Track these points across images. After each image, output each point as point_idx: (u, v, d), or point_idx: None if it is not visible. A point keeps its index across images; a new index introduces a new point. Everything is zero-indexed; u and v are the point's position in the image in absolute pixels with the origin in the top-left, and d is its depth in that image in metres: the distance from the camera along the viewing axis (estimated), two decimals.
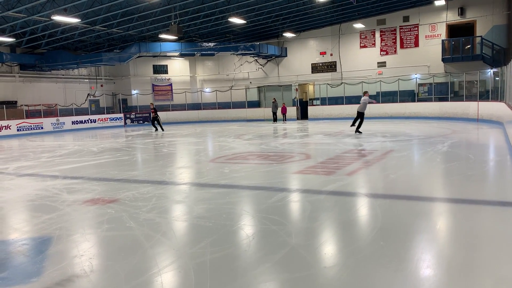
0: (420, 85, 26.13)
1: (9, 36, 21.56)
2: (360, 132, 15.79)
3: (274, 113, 26.98)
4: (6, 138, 22.21)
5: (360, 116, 15.84)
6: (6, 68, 25.60)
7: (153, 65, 32.14)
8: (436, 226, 4.75)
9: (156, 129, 22.35)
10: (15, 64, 25.85)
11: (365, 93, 16.27)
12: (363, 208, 5.58)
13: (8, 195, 7.26)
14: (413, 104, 25.38)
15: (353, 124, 16.12)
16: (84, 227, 5.16)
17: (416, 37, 26.06)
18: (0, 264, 3.97)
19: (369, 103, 16.16)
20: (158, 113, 22.97)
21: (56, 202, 6.40)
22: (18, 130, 23.69)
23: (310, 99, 30.10)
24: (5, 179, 8.82)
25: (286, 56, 30.35)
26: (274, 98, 27.96)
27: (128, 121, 30.19)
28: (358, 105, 15.99)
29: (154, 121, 22.44)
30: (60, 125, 26.09)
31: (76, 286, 3.44)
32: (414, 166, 8.91)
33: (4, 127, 23.06)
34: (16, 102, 25.79)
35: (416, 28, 26.00)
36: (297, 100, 29.72)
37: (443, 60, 24.59)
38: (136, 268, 3.75)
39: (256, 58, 30.91)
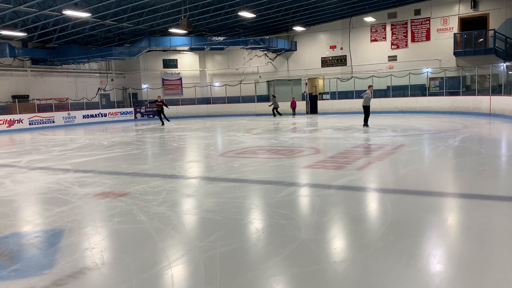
0: (431, 79, 25.86)
1: (21, 31, 21.75)
2: (368, 126, 15.78)
3: (275, 108, 27.00)
4: (18, 131, 22.48)
5: (366, 110, 15.87)
6: (18, 62, 25.85)
7: (163, 60, 32.21)
8: (447, 222, 4.71)
9: (163, 123, 22.82)
10: (27, 59, 26.08)
11: (369, 87, 16.35)
12: (373, 203, 5.56)
13: (21, 188, 7.35)
14: (424, 98, 25.14)
15: (365, 124, 16.13)
16: (95, 220, 5.21)
17: (428, 31, 25.75)
18: (13, 256, 4.03)
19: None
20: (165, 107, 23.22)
21: (68, 195, 6.47)
22: (30, 124, 23.96)
23: (319, 93, 29.96)
24: (18, 173, 8.94)
25: (295, 50, 30.20)
26: (273, 95, 28.26)
27: (139, 115, 30.34)
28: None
29: (160, 114, 23.00)
30: (71, 119, 26.33)
31: (87, 278, 3.48)
32: (425, 161, 8.83)
33: (16, 121, 23.34)
34: (28, 96, 26.06)
35: (428, 22, 25.68)
36: (306, 95, 29.60)
37: (455, 54, 24.28)
38: (147, 261, 3.78)
39: (266, 52, 30.81)
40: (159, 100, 22.90)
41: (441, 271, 3.39)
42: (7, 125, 22.85)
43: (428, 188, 6.24)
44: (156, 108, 23.01)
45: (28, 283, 3.40)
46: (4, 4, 17.59)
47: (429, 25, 25.66)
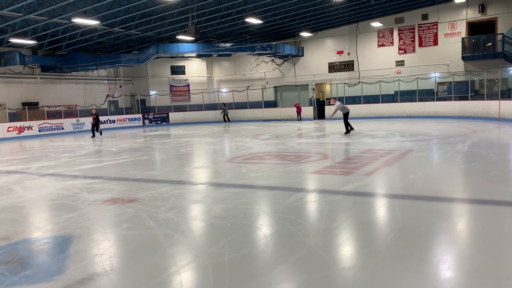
0: (439, 84, 25.74)
1: (31, 39, 22.02)
2: (349, 132, 15.68)
3: (226, 115, 29.79)
4: (28, 138, 22.70)
5: (345, 116, 15.70)
6: (28, 70, 26.16)
7: (171, 66, 32.42)
8: (457, 227, 4.67)
9: (93, 135, 21.01)
10: (36, 66, 26.38)
11: (333, 99, 16.81)
12: (381, 209, 5.53)
13: (31, 194, 7.41)
14: (432, 103, 25.01)
15: (348, 131, 15.89)
16: (104, 226, 5.24)
17: (435, 35, 25.67)
18: (24, 262, 4.06)
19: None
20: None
21: (77, 202, 6.52)
22: (39, 130, 24.18)
23: (327, 99, 29.92)
24: (28, 179, 9.02)
25: (302, 55, 30.25)
26: (224, 103, 30.75)
27: (147, 121, 30.51)
28: (344, 107, 15.93)
29: (94, 127, 21.14)
30: (80, 126, 26.53)
31: (97, 284, 3.49)
32: (433, 166, 8.78)
33: (26, 128, 23.57)
34: (37, 103, 26.33)
35: (435, 26, 25.61)
36: (313, 100, 29.59)
37: (463, 58, 24.15)
38: (156, 267, 3.79)
39: (273, 58, 30.88)
40: (93, 113, 21.24)
41: (451, 278, 3.36)
42: (17, 132, 23.08)
43: (437, 194, 6.20)
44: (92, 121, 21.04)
45: None
46: (15, 13, 17.84)
47: (437, 30, 25.58)
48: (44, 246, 4.58)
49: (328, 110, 28.27)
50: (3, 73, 24.62)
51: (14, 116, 24.60)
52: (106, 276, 3.63)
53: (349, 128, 15.91)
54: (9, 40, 21.67)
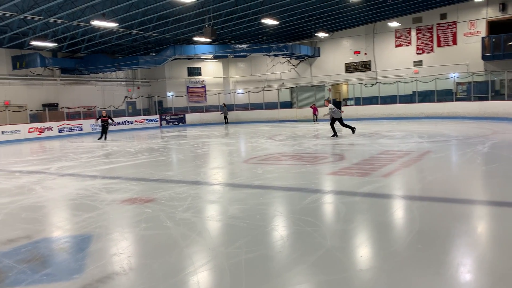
0: (458, 84, 25.33)
1: (51, 42, 22.46)
2: (336, 136, 15.34)
3: (226, 117, 30.48)
4: (48, 139, 23.13)
5: (339, 120, 15.31)
6: (49, 72, 26.68)
7: (188, 68, 32.66)
8: (477, 230, 4.59)
9: (100, 138, 20.03)
10: (56, 68, 26.89)
11: (326, 101, 16.72)
12: (399, 211, 5.47)
13: (51, 194, 7.55)
14: (451, 103, 24.62)
15: (335, 135, 15.46)
16: (123, 226, 5.31)
17: (454, 35, 25.28)
18: (45, 261, 4.14)
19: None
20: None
21: (96, 201, 6.62)
22: (59, 131, 24.63)
23: (343, 99, 29.75)
24: (48, 179, 9.19)
25: (319, 56, 30.13)
26: (224, 104, 31.21)
27: (164, 122, 30.80)
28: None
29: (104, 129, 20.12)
30: (98, 127, 26.82)
31: (115, 283, 3.54)
32: (452, 168, 8.64)
33: (46, 129, 24.03)
34: (57, 104, 26.83)
35: (454, 26, 25.23)
36: (330, 100, 29.40)
37: (483, 58, 23.74)
38: (173, 267, 3.82)
39: (289, 58, 30.84)
40: (104, 115, 20.21)
41: (471, 281, 3.31)
42: (38, 133, 23.54)
43: (456, 196, 6.10)
44: (102, 123, 19.96)
45: (59, 287, 3.49)
46: (36, 16, 18.23)
47: (456, 29, 25.20)
48: (64, 245, 4.66)
49: (345, 110, 28.11)
50: (25, 75, 25.17)
51: (35, 117, 25.12)
52: (125, 276, 3.68)
53: (336, 133, 15.38)
54: (30, 43, 22.15)
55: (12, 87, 24.69)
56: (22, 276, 3.75)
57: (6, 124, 22.62)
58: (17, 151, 17.00)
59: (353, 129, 15.78)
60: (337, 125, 15.53)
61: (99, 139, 19.93)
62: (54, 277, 3.74)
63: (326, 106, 15.75)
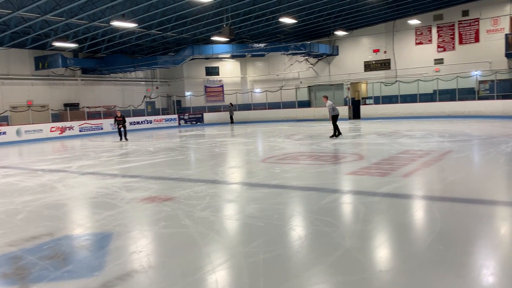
0: (480, 82, 24.79)
1: (72, 42, 22.86)
2: (336, 136, 14.91)
3: (231, 116, 30.53)
4: (69, 138, 23.57)
5: (334, 119, 14.83)
6: (70, 72, 27.17)
7: (205, 67, 32.83)
8: (500, 231, 4.48)
9: (121, 139, 19.40)
10: (77, 69, 27.36)
11: (324, 97, 15.49)
12: (420, 211, 5.38)
13: (72, 192, 7.69)
14: (473, 102, 24.12)
15: (334, 135, 15.00)
16: (142, 224, 5.37)
17: (477, 32, 24.75)
18: (66, 258, 4.22)
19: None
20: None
21: (116, 200, 6.71)
22: (80, 130, 25.08)
23: (362, 98, 29.45)
24: (69, 177, 9.36)
25: (337, 54, 29.90)
26: (231, 103, 31.29)
27: (182, 121, 31.04)
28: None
29: (120, 129, 19.54)
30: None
31: (135, 281, 3.58)
32: (474, 168, 8.47)
33: (67, 128, 24.50)
34: (78, 104, 27.31)
35: (477, 23, 24.69)
36: (349, 99, 29.18)
37: (507, 55, 23.15)
38: (192, 265, 3.84)
39: (307, 57, 30.68)
40: (118, 115, 19.64)
41: (494, 284, 3.23)
42: (59, 132, 24.01)
43: (478, 196, 5.98)
44: (119, 125, 19.40)
45: (80, 284, 3.55)
46: (58, 17, 18.58)
47: (478, 26, 24.66)
48: (85, 243, 4.74)
49: (364, 109, 27.84)
50: (47, 76, 25.69)
51: (56, 117, 25.63)
52: (144, 273, 3.72)
53: (337, 132, 14.97)
54: (52, 44, 22.60)
55: (34, 87, 25.23)
56: (45, 272, 3.82)
57: (29, 124, 23.14)
58: (40, 150, 17.37)
59: (339, 134, 15.09)
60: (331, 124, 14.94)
61: (121, 140, 19.32)
62: (75, 274, 3.80)
63: (325, 102, 15.22)
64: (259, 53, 27.82)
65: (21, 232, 5.13)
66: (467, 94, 25.01)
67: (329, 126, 15.74)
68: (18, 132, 22.12)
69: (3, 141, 21.20)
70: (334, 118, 14.93)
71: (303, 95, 31.54)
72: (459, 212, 5.26)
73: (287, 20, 21.64)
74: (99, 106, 27.84)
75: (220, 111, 32.16)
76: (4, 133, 21.60)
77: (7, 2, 16.12)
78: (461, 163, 8.71)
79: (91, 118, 26.84)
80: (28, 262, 4.10)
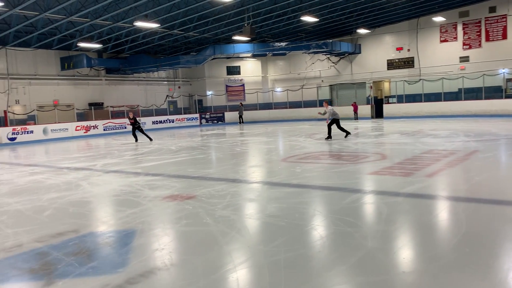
0: (508, 80, 24.12)
1: (97, 43, 23.31)
2: (330, 138, 14.57)
3: (240, 116, 30.38)
4: (94, 137, 24.05)
5: (336, 122, 14.57)
6: (94, 72, 27.71)
7: (227, 67, 32.97)
8: None
9: (136, 139, 18.50)
10: (102, 69, 27.89)
11: (325, 102, 15.35)
12: (444, 212, 5.27)
13: (97, 190, 7.84)
14: (500, 101, 23.51)
15: (330, 136, 14.67)
16: (164, 222, 5.43)
17: (504, 29, 24.09)
18: (90, 254, 4.30)
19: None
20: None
21: (139, 198, 6.80)
22: (104, 129, 25.56)
23: (385, 97, 29.06)
24: (94, 175, 9.54)
25: (360, 53, 29.58)
26: (241, 103, 31.37)
27: (203, 121, 31.27)
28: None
29: (135, 131, 18.69)
30: (141, 125, 27.63)
31: (157, 278, 3.62)
32: (501, 168, 8.25)
33: (92, 127, 25.00)
34: (102, 103, 27.83)
35: (504, 19, 24.03)
36: (371, 98, 28.83)
37: None
38: (213, 263, 3.86)
39: (328, 56, 30.45)
40: (131, 117, 18.96)
41: None
42: (84, 131, 24.54)
43: (505, 197, 5.82)
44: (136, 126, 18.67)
45: (104, 280, 3.61)
46: (83, 18, 18.96)
47: (506, 23, 23.99)
48: (109, 240, 4.82)
49: (387, 108, 27.44)
50: (72, 76, 26.27)
51: (81, 116, 26.18)
52: (166, 271, 3.76)
53: (331, 134, 14.65)
54: (77, 45, 23.09)
55: (60, 87, 25.84)
56: (70, 268, 3.91)
57: (55, 123, 23.73)
58: (65, 148, 17.77)
59: (348, 133, 14.94)
60: (334, 127, 14.78)
61: (149, 140, 18.27)
62: (99, 270, 3.87)
63: (325, 107, 15.01)
64: (280, 52, 27.75)
65: (48, 229, 5.26)
66: (494, 92, 24.39)
67: (352, 125, 15.60)
68: (44, 131, 22.71)
69: (30, 140, 21.80)
70: (336, 121, 14.71)
71: (325, 94, 31.31)
72: (485, 213, 5.13)
73: (309, 19, 21.52)
74: (123, 106, 28.31)
75: None
76: (32, 131, 22.20)
77: (34, 4, 16.55)
78: (487, 163, 8.50)
79: (115, 117, 27.31)
80: (54, 258, 4.19)
